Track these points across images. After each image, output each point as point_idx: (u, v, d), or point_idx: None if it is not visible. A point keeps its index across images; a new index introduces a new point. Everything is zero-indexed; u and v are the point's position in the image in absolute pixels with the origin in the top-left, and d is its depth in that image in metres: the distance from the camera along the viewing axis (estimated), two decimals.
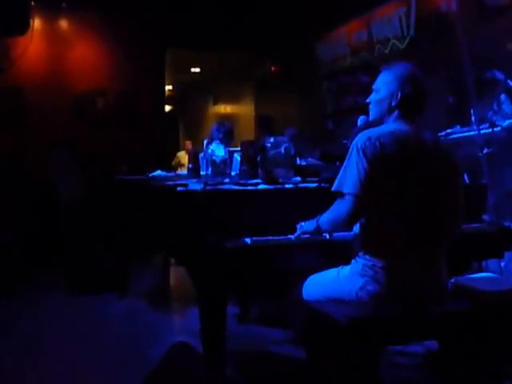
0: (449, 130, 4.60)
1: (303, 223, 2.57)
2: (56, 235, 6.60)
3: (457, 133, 4.56)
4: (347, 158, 2.34)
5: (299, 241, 2.58)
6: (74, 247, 6.26)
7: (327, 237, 2.59)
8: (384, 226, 2.32)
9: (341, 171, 2.35)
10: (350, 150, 2.34)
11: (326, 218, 2.43)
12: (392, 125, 2.43)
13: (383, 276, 2.31)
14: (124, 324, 4.38)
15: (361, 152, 2.28)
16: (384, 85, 2.48)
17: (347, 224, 2.37)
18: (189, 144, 9.50)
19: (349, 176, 2.30)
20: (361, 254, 2.38)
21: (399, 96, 2.42)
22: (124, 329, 4.25)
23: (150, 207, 3.85)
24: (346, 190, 2.29)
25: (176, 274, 5.73)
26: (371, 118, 2.55)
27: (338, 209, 2.34)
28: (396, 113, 2.45)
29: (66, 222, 6.67)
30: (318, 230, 2.50)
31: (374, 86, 2.53)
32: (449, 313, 2.41)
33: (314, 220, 2.49)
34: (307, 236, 2.57)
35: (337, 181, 2.36)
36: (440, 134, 4.42)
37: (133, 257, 5.36)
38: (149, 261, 5.95)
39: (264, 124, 6.13)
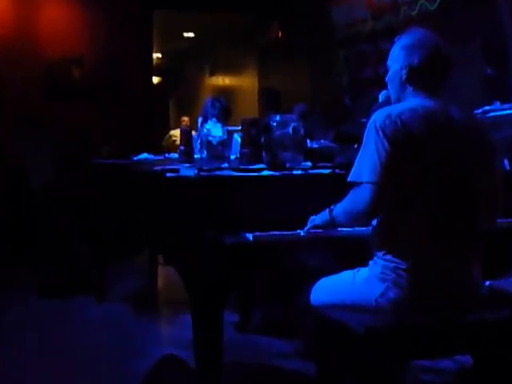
0: (486, 107, 4.58)
1: (314, 216, 2.57)
2: (25, 229, 6.61)
3: (496, 110, 4.54)
4: (364, 140, 2.34)
5: (309, 236, 2.58)
6: (46, 242, 6.26)
7: (341, 232, 2.58)
8: (406, 219, 2.31)
9: (358, 156, 2.35)
10: (367, 130, 2.33)
11: (341, 208, 2.42)
12: (412, 100, 2.42)
13: (406, 279, 2.30)
14: (103, 333, 4.39)
15: (380, 132, 2.28)
16: (392, 60, 2.50)
17: (367, 217, 2.36)
18: (186, 120, 9.49)
19: (367, 161, 2.29)
20: (380, 254, 2.38)
21: (407, 68, 2.42)
22: (103, 339, 4.26)
23: (134, 196, 3.85)
24: (364, 179, 2.28)
25: (164, 275, 5.74)
26: (392, 100, 2.56)
27: (355, 199, 2.33)
28: (409, 88, 2.45)
29: (37, 213, 6.67)
30: (333, 223, 2.49)
31: (387, 64, 2.54)
32: (484, 322, 2.40)
33: (327, 212, 2.49)
34: (319, 231, 2.57)
35: (354, 169, 2.35)
36: (476, 111, 4.41)
37: (114, 254, 5.36)
38: (132, 259, 5.96)
39: (269, 99, 6.10)
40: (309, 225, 2.58)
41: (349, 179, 2.35)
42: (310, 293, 2.58)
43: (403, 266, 2.31)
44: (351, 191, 2.35)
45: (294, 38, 8.82)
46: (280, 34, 9.27)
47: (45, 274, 5.65)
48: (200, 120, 4.76)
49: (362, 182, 2.30)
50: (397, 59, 2.47)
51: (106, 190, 4.73)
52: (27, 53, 7.75)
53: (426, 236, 2.32)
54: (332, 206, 2.47)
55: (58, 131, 7.30)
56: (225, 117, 4.90)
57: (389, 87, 2.56)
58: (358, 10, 7.62)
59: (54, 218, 6.50)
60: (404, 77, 2.44)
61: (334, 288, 2.51)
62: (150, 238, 3.66)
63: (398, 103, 2.48)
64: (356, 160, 2.35)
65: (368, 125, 2.34)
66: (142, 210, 3.67)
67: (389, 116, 2.30)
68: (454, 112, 2.41)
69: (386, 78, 2.55)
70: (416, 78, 2.43)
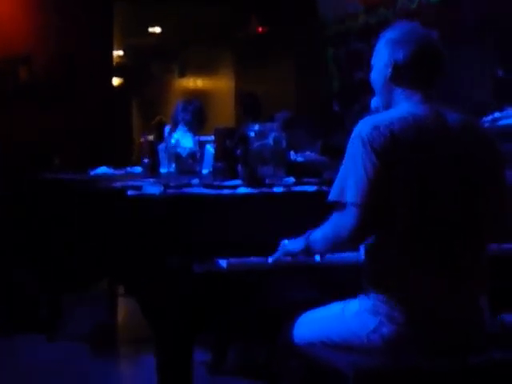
0: (497, 114, 4.62)
1: (287, 241, 2.58)
2: None
3: (509, 117, 4.58)
4: (347, 153, 2.35)
5: (280, 264, 2.58)
6: None
7: (329, 260, 2.59)
8: (401, 245, 2.33)
9: (340, 173, 2.36)
10: (351, 142, 2.34)
11: (320, 235, 2.44)
12: (402, 107, 2.43)
13: (401, 313, 2.32)
14: (54, 377, 4.36)
15: (368, 145, 2.28)
16: (376, 57, 2.53)
17: (351, 244, 2.39)
18: (159, 120, 9.42)
19: (351, 178, 2.30)
20: (371, 285, 2.39)
21: (391, 66, 2.44)
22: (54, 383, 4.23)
23: (91, 217, 3.84)
24: (348, 199, 2.29)
25: (125, 308, 5.71)
26: (380, 106, 2.58)
27: (338, 224, 2.34)
28: (396, 90, 2.46)
29: None
30: (308, 251, 2.51)
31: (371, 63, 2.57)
32: (493, 363, 2.41)
33: (303, 238, 2.50)
34: (289, 259, 2.57)
35: (335, 187, 2.36)
36: (485, 118, 4.45)
37: (67, 284, 5.33)
38: (89, 290, 5.93)
39: (247, 105, 6.15)
40: (279, 251, 2.59)
41: (329, 198, 2.36)
42: (292, 329, 2.58)
43: (397, 298, 2.32)
44: (333, 215, 2.37)
45: (277, 34, 8.85)
46: (260, 29, 9.29)
47: None
48: (167, 128, 4.76)
49: (345, 203, 2.31)
50: (381, 56, 2.49)
51: (57, 209, 4.71)
52: None
53: (423, 263, 2.34)
54: (309, 232, 2.48)
55: (2, 141, 7.27)
56: (199, 123, 4.91)
57: (374, 90, 2.57)
58: (348, 2, 7.67)
59: None
60: (388, 75, 2.45)
61: (320, 323, 2.51)
62: (109, 266, 3.65)
63: (386, 110, 2.49)
64: (338, 176, 2.36)
65: (352, 136, 2.34)
66: (100, 232, 3.66)
67: (376, 128, 2.30)
68: (452, 118, 2.42)
69: (370, 79, 2.56)
70: (402, 76, 2.44)
